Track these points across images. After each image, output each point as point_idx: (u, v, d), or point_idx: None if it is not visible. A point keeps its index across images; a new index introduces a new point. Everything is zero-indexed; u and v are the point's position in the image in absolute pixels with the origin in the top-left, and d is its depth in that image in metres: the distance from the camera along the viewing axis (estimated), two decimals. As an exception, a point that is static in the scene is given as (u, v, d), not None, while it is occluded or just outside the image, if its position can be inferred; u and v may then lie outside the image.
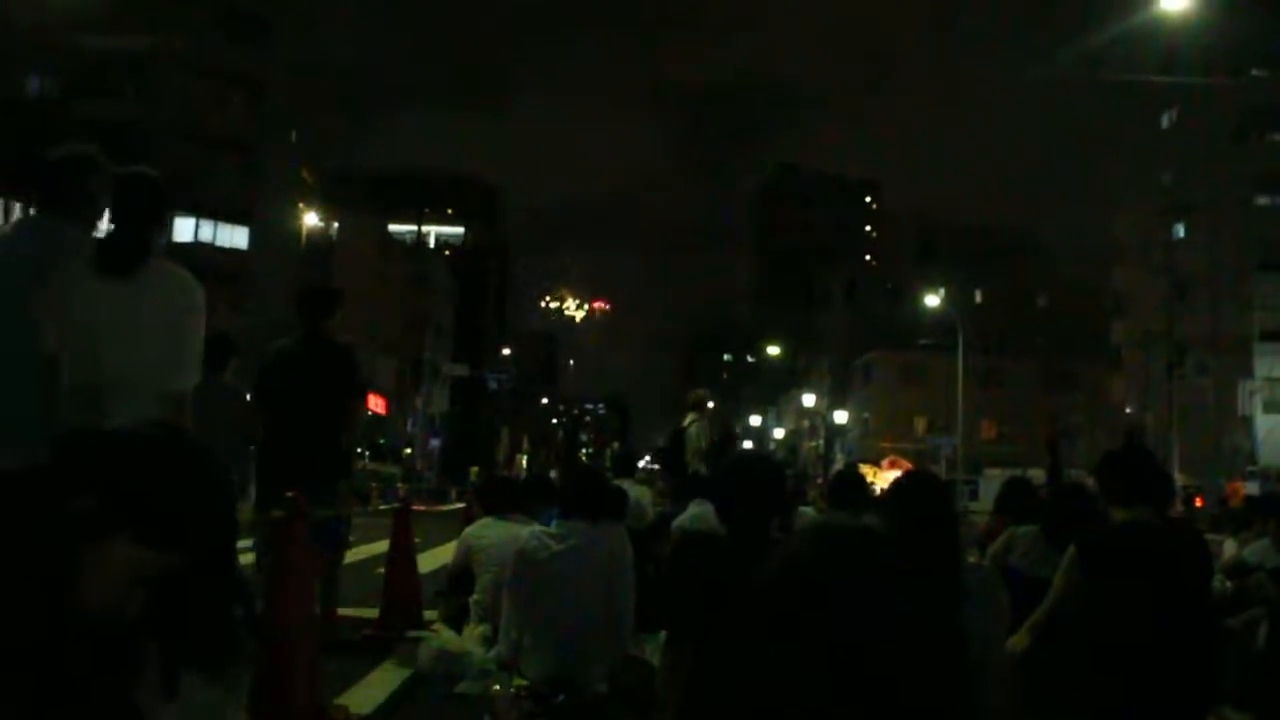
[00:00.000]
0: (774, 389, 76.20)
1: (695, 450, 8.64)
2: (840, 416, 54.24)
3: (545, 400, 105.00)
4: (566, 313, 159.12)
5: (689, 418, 8.85)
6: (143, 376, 2.96)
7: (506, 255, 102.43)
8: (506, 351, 74.99)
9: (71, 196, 3.12)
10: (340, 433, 5.21)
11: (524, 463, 78.16)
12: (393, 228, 73.39)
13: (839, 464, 48.58)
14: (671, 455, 8.78)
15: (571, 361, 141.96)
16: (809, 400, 57.97)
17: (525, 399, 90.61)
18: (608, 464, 8.60)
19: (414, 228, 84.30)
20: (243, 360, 5.91)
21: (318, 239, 44.16)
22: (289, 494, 3.76)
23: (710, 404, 9.90)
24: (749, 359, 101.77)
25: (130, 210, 3.15)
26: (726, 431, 10.00)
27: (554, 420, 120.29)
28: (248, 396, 5.65)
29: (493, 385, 72.09)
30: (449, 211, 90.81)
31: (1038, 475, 28.50)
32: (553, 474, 19.77)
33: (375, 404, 44.41)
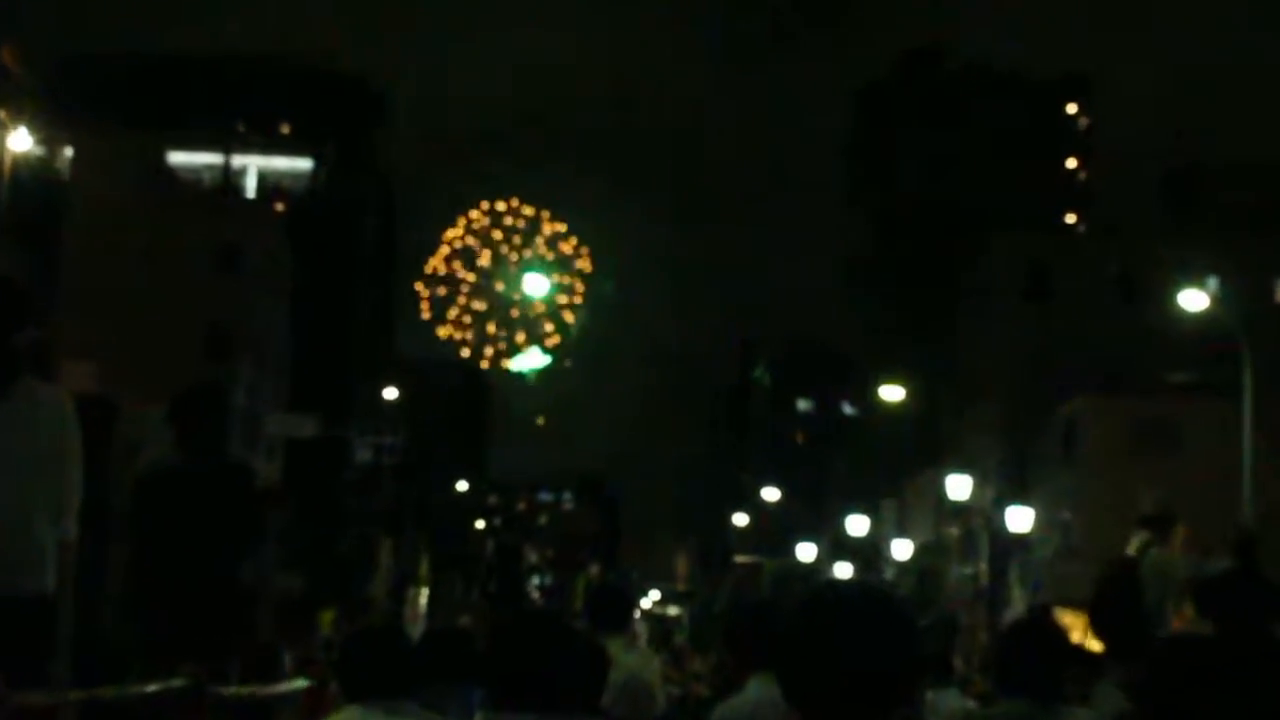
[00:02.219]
0: (891, 467, 76.34)
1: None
2: (1018, 517, 54.16)
3: (464, 485, 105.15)
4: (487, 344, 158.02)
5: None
6: (17, 511, 5.26)
7: (393, 212, 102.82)
8: (392, 395, 75.20)
9: None
10: (240, 585, 7.40)
11: (422, 603, 77.98)
12: (178, 157, 73.74)
13: (1016, 606, 48.30)
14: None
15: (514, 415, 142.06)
16: (960, 487, 57.91)
17: (427, 484, 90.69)
18: (577, 604, 8.69)
19: (219, 158, 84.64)
20: None
21: (32, 175, 44.27)
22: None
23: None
24: (845, 408, 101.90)
25: None
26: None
27: (479, 523, 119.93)
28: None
29: (365, 457, 72.26)
30: (285, 130, 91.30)
31: None
32: (464, 620, 19.82)
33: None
